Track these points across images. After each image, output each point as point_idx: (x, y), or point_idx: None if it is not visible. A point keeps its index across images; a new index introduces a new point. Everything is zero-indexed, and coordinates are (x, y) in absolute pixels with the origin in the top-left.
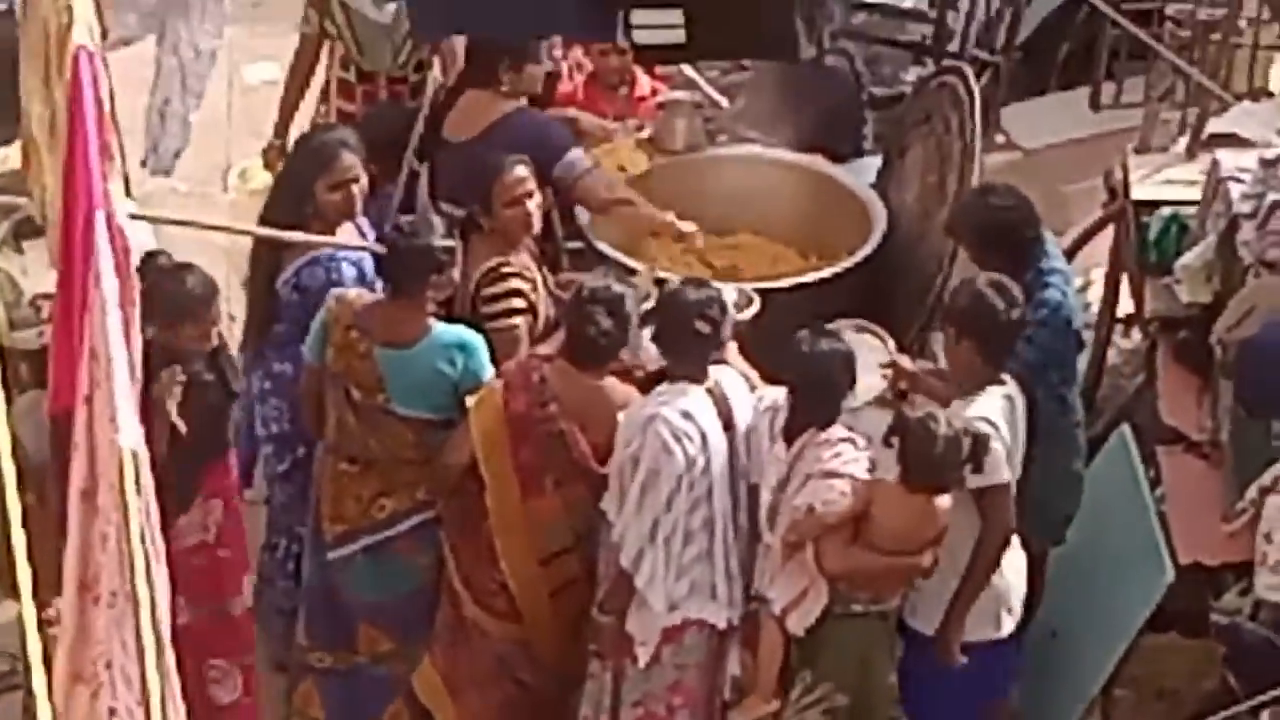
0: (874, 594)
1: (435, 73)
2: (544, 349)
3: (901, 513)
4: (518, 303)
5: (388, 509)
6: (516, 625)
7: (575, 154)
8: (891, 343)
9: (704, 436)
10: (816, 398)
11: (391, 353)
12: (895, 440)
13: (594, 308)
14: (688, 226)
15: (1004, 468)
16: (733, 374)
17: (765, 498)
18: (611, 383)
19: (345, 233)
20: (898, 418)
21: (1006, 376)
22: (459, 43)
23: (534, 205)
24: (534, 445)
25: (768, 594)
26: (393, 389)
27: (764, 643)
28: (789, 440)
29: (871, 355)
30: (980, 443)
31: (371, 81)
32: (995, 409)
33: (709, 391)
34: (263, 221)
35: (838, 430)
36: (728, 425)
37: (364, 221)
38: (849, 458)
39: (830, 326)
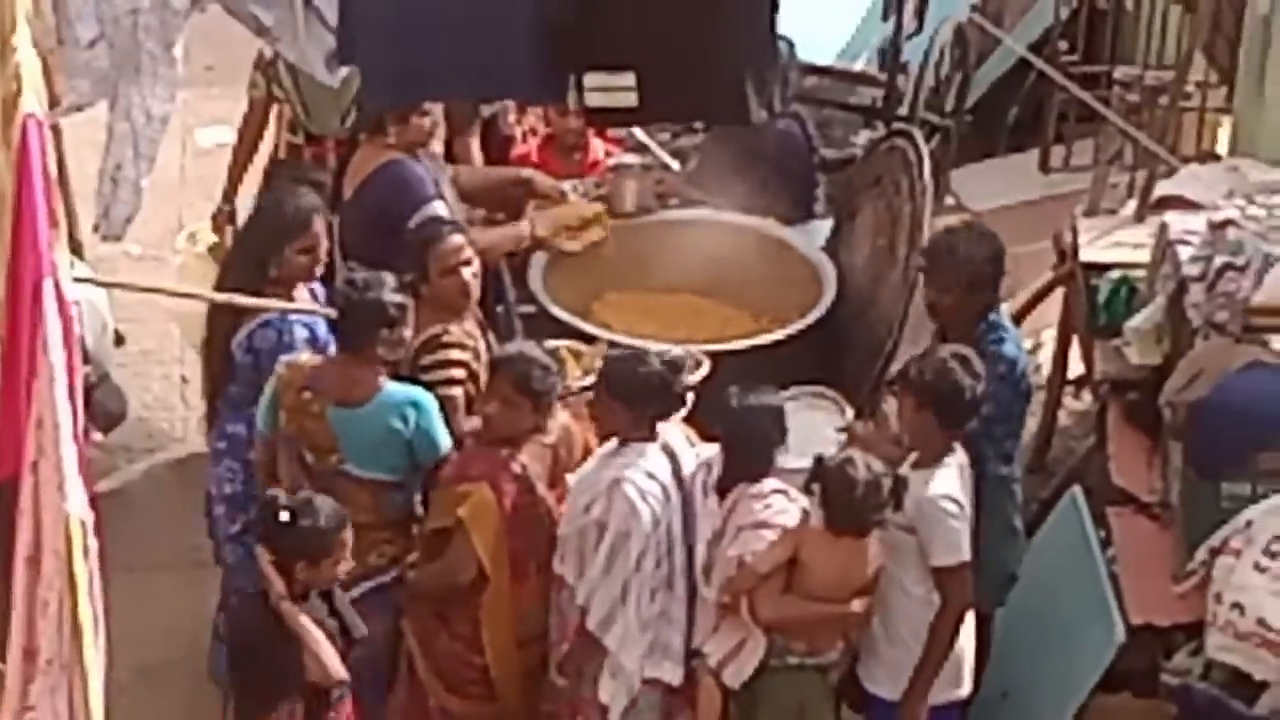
0: (809, 645)
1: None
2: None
3: (829, 558)
4: (456, 372)
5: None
6: (489, 705)
7: (430, 207)
8: (849, 410)
9: (666, 494)
10: (748, 452)
11: (344, 412)
12: (815, 486)
13: (527, 364)
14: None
15: (965, 547)
16: (676, 429)
17: (700, 551)
18: (562, 423)
19: (299, 295)
20: (816, 464)
21: (955, 444)
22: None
23: (470, 274)
24: (526, 533)
25: (705, 648)
26: (347, 449)
27: (702, 698)
28: (722, 495)
29: (828, 422)
30: (900, 481)
31: (319, 144)
32: (954, 484)
33: (663, 449)
34: (220, 284)
35: (770, 483)
36: (679, 479)
37: (316, 285)
38: (779, 508)
39: (787, 393)
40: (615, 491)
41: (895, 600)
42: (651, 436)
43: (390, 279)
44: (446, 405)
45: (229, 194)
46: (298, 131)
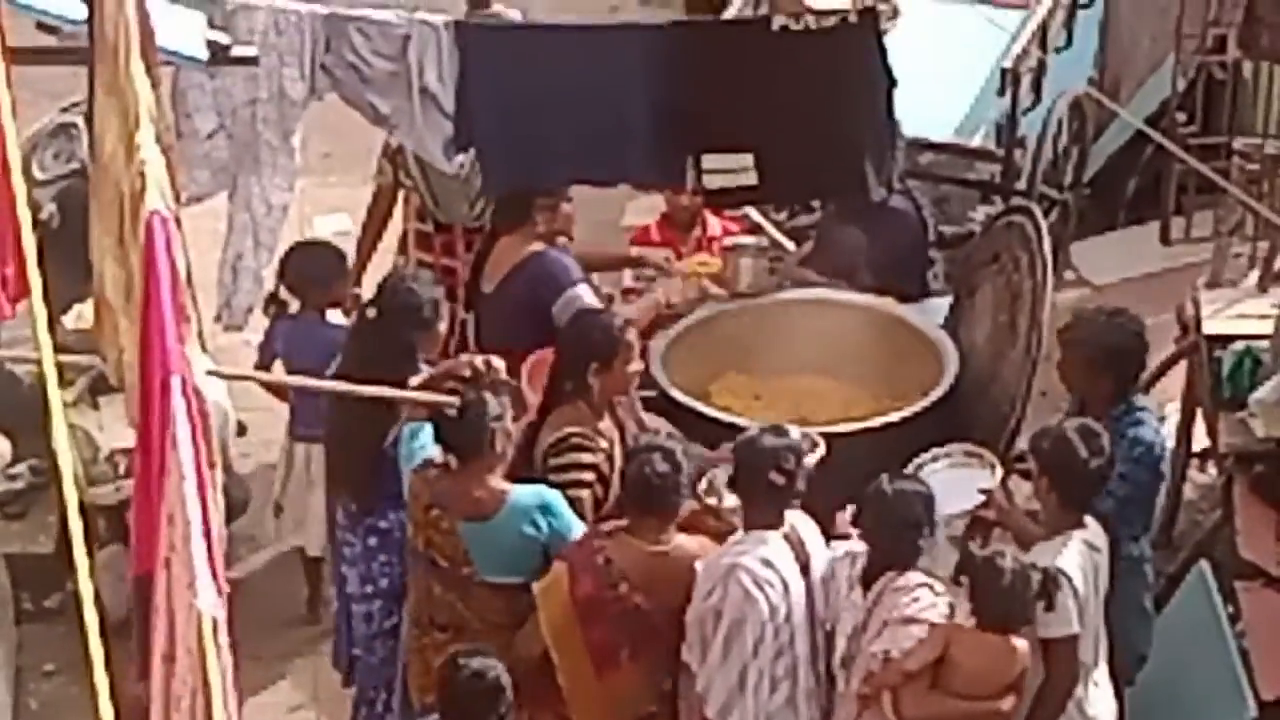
0: None
1: None
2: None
3: (978, 655)
4: (585, 475)
5: None
6: None
7: (574, 291)
8: (999, 471)
9: (785, 584)
10: (896, 540)
11: (475, 526)
12: (964, 579)
13: (649, 454)
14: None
15: (1074, 620)
16: (806, 519)
17: (840, 644)
18: (678, 543)
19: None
20: (964, 556)
21: (1089, 520)
22: None
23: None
24: (606, 624)
25: None
26: (480, 561)
27: None
28: (866, 586)
29: (977, 479)
30: (1050, 578)
31: (449, 232)
32: (1073, 560)
33: (786, 537)
34: (357, 374)
35: (915, 576)
36: (805, 570)
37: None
38: (926, 603)
39: (941, 450)
40: (731, 578)
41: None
42: (775, 524)
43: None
44: (574, 507)
45: (355, 280)
46: (426, 220)
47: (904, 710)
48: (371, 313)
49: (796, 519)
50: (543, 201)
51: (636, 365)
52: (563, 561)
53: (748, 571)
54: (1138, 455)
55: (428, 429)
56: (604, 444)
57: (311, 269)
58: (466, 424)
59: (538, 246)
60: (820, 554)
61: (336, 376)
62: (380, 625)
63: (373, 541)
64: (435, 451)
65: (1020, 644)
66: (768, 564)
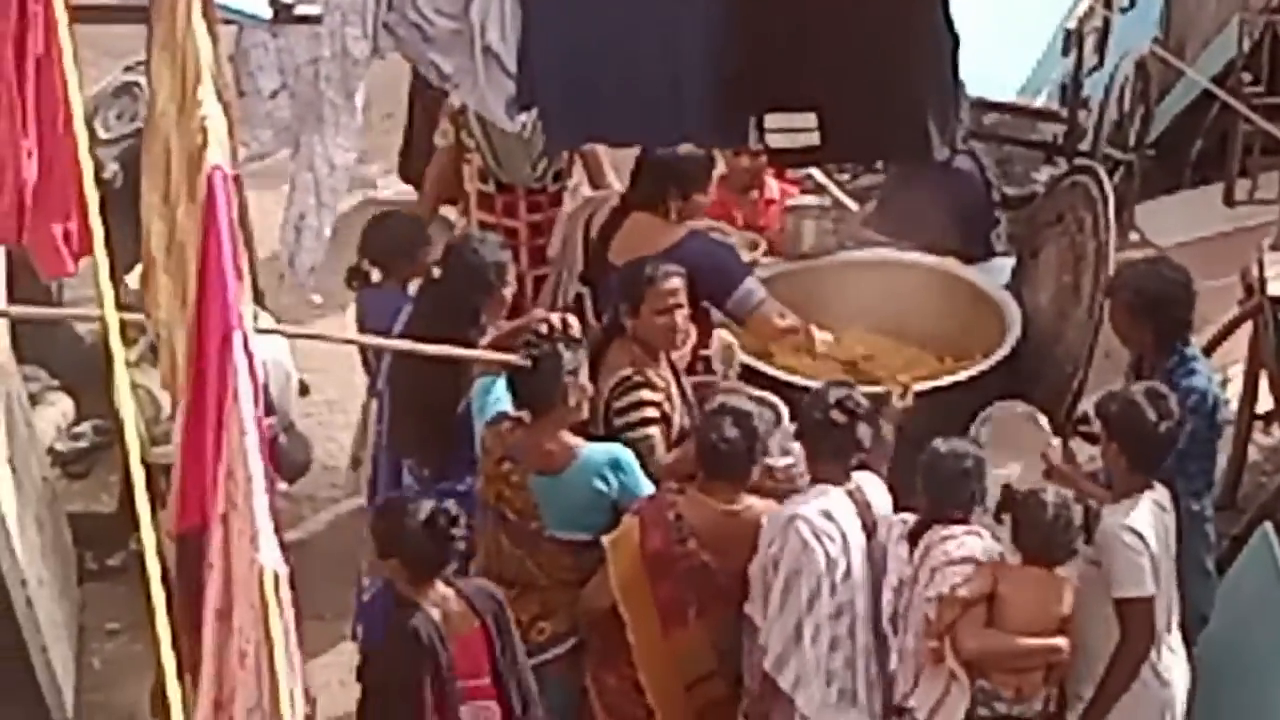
0: (1016, 692)
1: (574, 181)
2: (673, 474)
3: (1027, 591)
4: (650, 412)
5: (547, 632)
6: None
7: (750, 283)
8: (1051, 436)
9: (845, 538)
10: (948, 499)
11: (546, 480)
12: (1005, 516)
13: (721, 419)
14: (824, 340)
15: (1148, 580)
16: (876, 481)
17: (887, 597)
18: (748, 504)
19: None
20: (1005, 492)
21: (1156, 483)
22: (601, 150)
23: (682, 318)
24: (674, 581)
25: (910, 703)
26: (549, 515)
27: None
28: (913, 543)
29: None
30: (1090, 512)
31: (511, 193)
32: (1144, 519)
33: (849, 494)
34: (425, 334)
35: (959, 527)
36: (871, 532)
37: None
38: (974, 546)
39: (996, 406)
40: (790, 528)
41: (1100, 641)
42: (840, 480)
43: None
44: (641, 446)
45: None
46: (488, 180)
47: (964, 646)
48: (436, 274)
49: (865, 480)
50: (678, 190)
51: (667, 320)
52: (634, 516)
53: (806, 522)
54: (1193, 404)
55: (500, 383)
56: (661, 384)
57: (393, 241)
58: (540, 376)
59: (689, 227)
60: (888, 517)
61: (402, 338)
62: None
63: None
64: (508, 404)
65: (1067, 577)
66: (828, 516)
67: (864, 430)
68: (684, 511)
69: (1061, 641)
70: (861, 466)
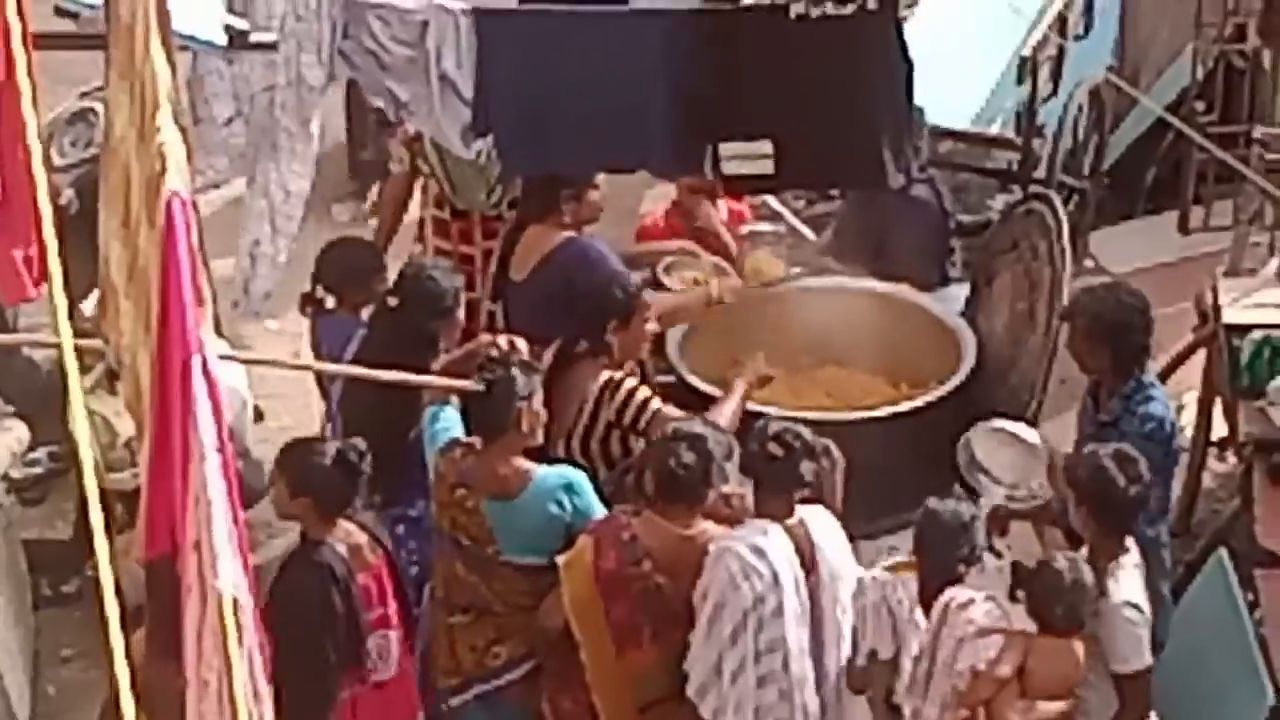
0: None
1: None
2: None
3: (1050, 660)
4: (643, 392)
5: (502, 656)
6: None
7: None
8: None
9: (776, 576)
10: (947, 559)
11: (500, 504)
12: (1022, 594)
13: (676, 444)
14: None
15: (1147, 652)
16: (824, 517)
17: (905, 666)
18: (703, 529)
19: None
20: (1018, 572)
21: (1130, 543)
22: None
23: (652, 329)
24: (628, 602)
25: None
26: (504, 540)
27: None
28: (925, 604)
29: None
30: (1099, 573)
31: (466, 219)
32: (1136, 588)
33: (789, 529)
34: (381, 361)
35: (965, 592)
36: (809, 567)
37: None
38: (996, 614)
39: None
40: (719, 562)
41: (1095, 700)
42: (782, 514)
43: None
44: (655, 419)
45: None
46: (444, 207)
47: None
48: (392, 302)
49: (811, 514)
50: (569, 191)
51: (654, 325)
52: (589, 536)
53: (737, 557)
54: (1149, 431)
55: (449, 410)
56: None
57: (348, 267)
58: (493, 401)
59: (569, 233)
60: (833, 551)
61: (355, 364)
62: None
63: (400, 530)
64: (459, 431)
65: (1079, 645)
66: (759, 552)
67: (806, 465)
68: (639, 533)
69: (1073, 703)
70: (811, 500)
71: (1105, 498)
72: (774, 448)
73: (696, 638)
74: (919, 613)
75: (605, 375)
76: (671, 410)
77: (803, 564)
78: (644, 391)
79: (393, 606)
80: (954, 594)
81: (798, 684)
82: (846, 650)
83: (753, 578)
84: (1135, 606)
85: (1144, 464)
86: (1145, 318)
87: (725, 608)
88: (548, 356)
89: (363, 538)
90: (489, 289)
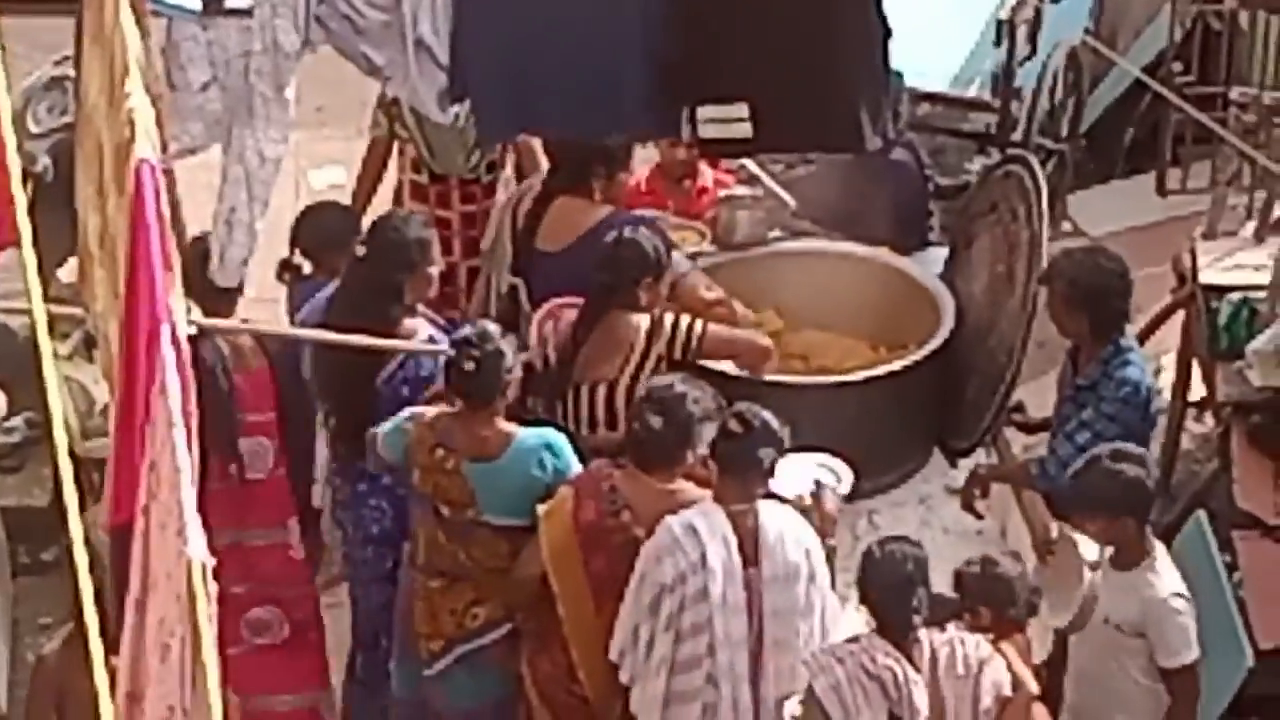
0: None
1: (507, 173)
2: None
3: (1026, 657)
4: (687, 318)
5: (481, 617)
6: None
7: (676, 255)
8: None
9: (704, 558)
10: (894, 604)
11: (481, 466)
12: (981, 609)
13: (647, 407)
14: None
15: (1194, 644)
16: (792, 519)
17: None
18: (684, 487)
19: (419, 328)
20: (960, 580)
21: (1154, 542)
22: (535, 142)
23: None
24: (607, 555)
25: None
26: (485, 501)
27: None
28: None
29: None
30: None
31: (444, 183)
32: (1177, 577)
33: (735, 517)
34: (348, 321)
35: (936, 634)
36: (750, 560)
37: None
38: (971, 638)
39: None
40: (656, 533)
41: (1130, 692)
42: (732, 499)
43: (496, 329)
44: (706, 338)
45: None
46: (421, 171)
47: None
48: (360, 252)
49: (770, 512)
50: (601, 168)
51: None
52: (569, 486)
53: (668, 531)
54: (1125, 395)
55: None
56: None
57: (325, 232)
58: (483, 374)
59: (610, 209)
60: (788, 552)
61: (328, 320)
62: (375, 570)
63: (362, 486)
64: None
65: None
66: (691, 531)
67: (765, 451)
68: (619, 485)
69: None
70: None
71: (1119, 502)
72: (733, 424)
73: (626, 601)
74: (910, 669)
75: (648, 318)
76: (718, 328)
77: (743, 553)
78: (687, 317)
79: (270, 417)
80: (929, 639)
81: (724, 674)
82: (804, 655)
83: (677, 554)
84: (1182, 596)
85: (1151, 459)
86: (1124, 283)
87: (646, 579)
88: (570, 314)
89: (248, 340)
90: (462, 252)
